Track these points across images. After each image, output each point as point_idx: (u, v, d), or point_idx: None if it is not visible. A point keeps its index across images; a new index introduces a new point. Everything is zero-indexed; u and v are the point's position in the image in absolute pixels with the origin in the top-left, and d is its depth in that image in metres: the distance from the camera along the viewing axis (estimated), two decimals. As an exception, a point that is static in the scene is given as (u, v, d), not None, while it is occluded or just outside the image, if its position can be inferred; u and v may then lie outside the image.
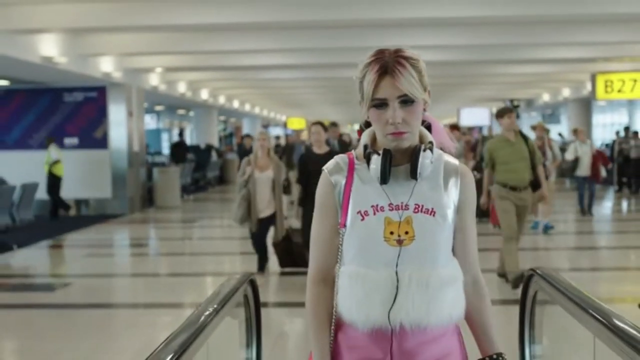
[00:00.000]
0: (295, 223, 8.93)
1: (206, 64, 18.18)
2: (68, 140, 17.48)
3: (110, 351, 6.67)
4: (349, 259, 2.27)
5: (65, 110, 17.50)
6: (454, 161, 2.35)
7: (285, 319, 7.86)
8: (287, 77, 22.44)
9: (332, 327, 2.31)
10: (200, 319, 2.99)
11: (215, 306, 3.21)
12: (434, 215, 2.24)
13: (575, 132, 22.35)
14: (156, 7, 11.75)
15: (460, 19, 12.22)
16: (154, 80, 19.44)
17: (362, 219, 2.24)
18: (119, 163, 17.50)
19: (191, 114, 33.93)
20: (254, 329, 3.82)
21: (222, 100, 28.47)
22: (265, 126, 46.79)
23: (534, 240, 12.06)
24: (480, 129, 34.49)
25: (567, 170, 14.98)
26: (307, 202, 8.35)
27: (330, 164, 2.34)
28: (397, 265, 2.20)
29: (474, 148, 24.62)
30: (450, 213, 2.27)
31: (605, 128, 36.20)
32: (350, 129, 46.39)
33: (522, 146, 8.19)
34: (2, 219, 12.47)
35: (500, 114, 8.33)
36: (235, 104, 31.50)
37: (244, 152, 18.90)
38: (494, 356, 2.35)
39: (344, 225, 2.27)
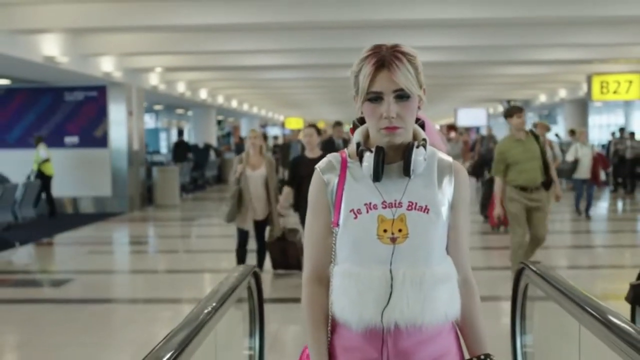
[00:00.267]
0: (290, 223, 8.76)
1: (205, 64, 18.25)
2: (68, 139, 17.62)
3: (113, 345, 6.83)
4: (342, 258, 2.25)
5: (66, 109, 17.63)
6: (448, 158, 2.33)
7: (285, 313, 8.00)
8: (285, 77, 22.49)
9: (329, 327, 2.29)
10: (206, 310, 3.09)
11: (220, 296, 3.31)
12: (427, 212, 2.21)
13: (572, 132, 22.55)
14: (156, 8, 11.83)
15: (458, 20, 12.26)
16: (153, 79, 19.54)
17: (355, 217, 2.21)
18: (118, 162, 17.63)
19: (189, 113, 34.02)
20: (257, 320, 3.97)
21: (220, 99, 28.56)
22: (263, 126, 46.90)
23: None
24: (477, 129, 34.62)
25: (566, 171, 14.74)
26: (300, 206, 8.29)
27: (322, 163, 2.32)
28: (391, 264, 2.18)
29: (472, 148, 24.75)
30: (444, 210, 2.25)
31: (602, 129, 36.32)
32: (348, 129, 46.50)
33: (533, 145, 7.86)
34: (4, 216, 12.61)
35: (509, 114, 7.96)
36: (234, 104, 31.60)
37: (242, 152, 19.00)
38: (482, 357, 2.32)
39: (337, 224, 2.25)
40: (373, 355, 2.20)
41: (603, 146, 27.12)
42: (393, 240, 2.18)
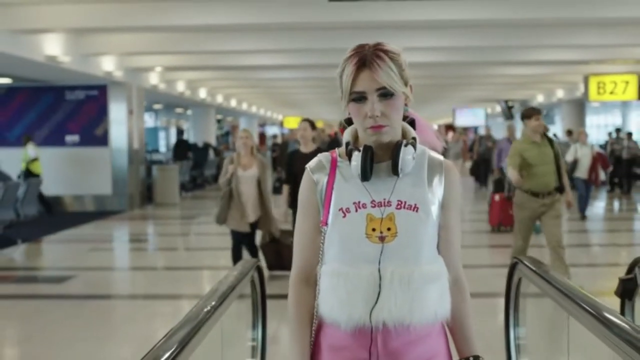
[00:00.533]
0: (284, 224, 8.61)
1: (205, 64, 18.36)
2: (69, 138, 17.76)
3: (114, 339, 6.99)
4: (330, 257, 2.23)
5: (67, 108, 17.77)
6: (439, 157, 2.31)
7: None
8: (284, 76, 22.58)
9: (314, 328, 2.27)
10: (210, 305, 3.20)
11: (225, 289, 3.44)
12: (416, 211, 2.19)
13: (569, 133, 22.69)
14: (156, 9, 11.93)
15: (456, 21, 12.35)
16: (153, 79, 19.66)
17: (344, 216, 2.20)
18: (119, 161, 17.77)
19: (189, 112, 34.14)
20: (260, 312, 4.11)
21: (219, 99, 28.65)
22: (262, 125, 47.03)
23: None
24: (475, 129, 34.74)
25: (566, 171, 14.75)
26: (294, 204, 8.18)
27: (312, 162, 2.31)
28: (379, 263, 2.16)
29: (471, 148, 24.88)
30: (434, 209, 2.23)
31: (600, 129, 36.46)
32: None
33: (548, 149, 7.62)
34: (7, 214, 12.75)
35: (527, 115, 7.64)
36: (233, 103, 31.69)
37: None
38: (471, 358, 2.30)
39: (326, 223, 2.23)
40: (362, 355, 2.18)
41: (601, 146, 27.29)
42: (382, 239, 2.17)
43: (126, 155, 17.77)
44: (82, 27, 12.83)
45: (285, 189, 8.39)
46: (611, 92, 19.82)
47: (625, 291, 4.05)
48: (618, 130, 23.97)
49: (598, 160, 14.70)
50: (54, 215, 16.47)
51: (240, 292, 3.72)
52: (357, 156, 2.18)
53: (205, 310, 2.95)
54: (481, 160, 22.51)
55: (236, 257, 8.44)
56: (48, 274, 10.62)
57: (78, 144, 17.80)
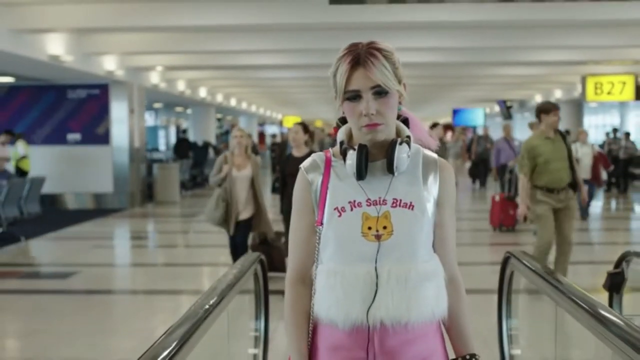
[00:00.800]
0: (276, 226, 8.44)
1: (205, 63, 18.46)
2: (71, 136, 17.92)
3: (117, 332, 7.17)
4: (326, 257, 2.22)
5: (69, 106, 17.93)
6: (433, 155, 2.30)
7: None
8: (283, 76, 22.70)
9: (310, 328, 2.26)
10: (217, 292, 3.37)
11: (224, 287, 3.58)
12: (412, 209, 2.19)
13: (567, 132, 22.81)
14: (157, 9, 12.05)
15: (456, 22, 12.46)
16: (154, 78, 19.78)
17: (339, 216, 2.19)
18: (120, 159, 17.93)
19: (189, 111, 34.26)
20: (262, 303, 4.27)
21: (219, 98, 28.76)
22: (261, 124, 47.15)
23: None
24: (474, 129, 34.87)
25: None
26: (285, 207, 8.02)
27: (307, 162, 2.30)
28: (376, 261, 2.15)
29: (469, 148, 24.96)
30: (429, 207, 2.22)
31: (597, 129, 36.61)
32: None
33: (562, 145, 7.56)
34: (11, 211, 12.91)
35: (545, 110, 7.49)
36: (233, 102, 31.80)
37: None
38: (467, 357, 2.30)
39: (321, 223, 2.22)
40: (360, 354, 2.17)
41: (599, 146, 27.43)
42: (378, 237, 2.16)
43: (127, 153, 17.92)
44: (85, 27, 12.95)
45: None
46: (608, 93, 19.92)
47: (613, 285, 4.22)
48: (615, 130, 24.12)
49: (599, 159, 14.61)
50: (54, 213, 16.60)
51: (240, 288, 3.83)
52: (352, 155, 2.18)
53: (205, 308, 3.03)
54: (479, 160, 22.63)
55: (242, 251, 8.22)
56: (52, 270, 10.78)
57: (79, 142, 17.95)
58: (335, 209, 2.19)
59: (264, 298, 4.30)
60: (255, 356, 4.37)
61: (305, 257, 2.28)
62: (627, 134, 22.78)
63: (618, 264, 4.32)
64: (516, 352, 4.26)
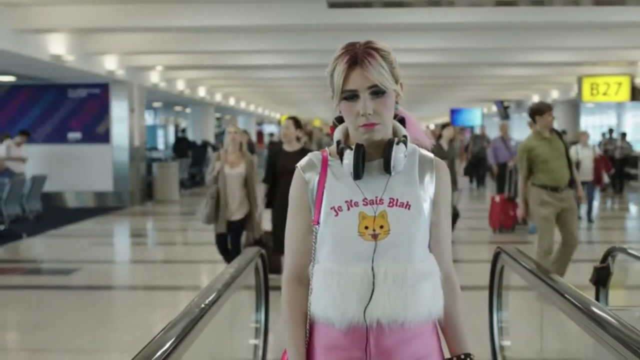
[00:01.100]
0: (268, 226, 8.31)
1: (204, 63, 18.61)
2: (71, 135, 18.07)
3: (118, 327, 7.35)
4: (323, 256, 2.22)
5: (69, 106, 18.08)
6: (429, 154, 2.30)
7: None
8: (282, 76, 22.81)
9: (307, 327, 2.26)
10: (221, 285, 3.52)
11: (231, 274, 3.75)
12: (409, 208, 2.18)
13: (563, 133, 22.92)
14: (157, 10, 12.19)
15: (453, 24, 12.58)
16: (154, 78, 19.91)
17: (336, 215, 2.18)
18: (120, 158, 18.07)
19: (187, 110, 34.36)
20: (263, 296, 4.44)
21: (218, 97, 28.87)
22: (260, 123, 47.25)
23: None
24: (471, 129, 35.01)
25: None
26: (275, 203, 7.81)
27: (303, 161, 2.29)
28: (372, 261, 2.14)
29: (466, 148, 25.08)
30: (426, 207, 2.22)
31: (594, 130, 36.74)
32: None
33: (559, 144, 7.57)
34: (13, 209, 13.07)
35: (539, 111, 7.55)
36: (231, 102, 31.91)
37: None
38: (462, 356, 2.30)
39: (318, 222, 2.21)
40: (356, 354, 2.16)
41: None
42: (374, 237, 2.15)
43: (127, 152, 18.07)
44: (86, 28, 13.11)
45: (262, 187, 8.00)
46: (604, 94, 20.03)
47: (599, 279, 4.39)
48: (611, 130, 24.27)
49: (600, 162, 14.42)
50: (55, 212, 16.72)
51: (241, 283, 3.96)
52: (348, 154, 2.17)
53: (203, 305, 3.07)
54: (476, 160, 22.72)
55: (224, 251, 8.13)
56: (54, 266, 10.94)
57: (80, 141, 18.09)
58: (331, 208, 2.19)
59: (264, 291, 4.47)
60: (255, 346, 4.55)
61: (302, 256, 2.27)
62: (623, 135, 22.92)
63: (604, 259, 4.49)
64: (506, 343, 4.44)
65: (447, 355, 2.30)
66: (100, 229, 14.74)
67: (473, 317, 5.69)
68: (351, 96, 2.15)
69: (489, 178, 21.53)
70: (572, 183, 7.60)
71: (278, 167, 7.59)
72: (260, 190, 8.04)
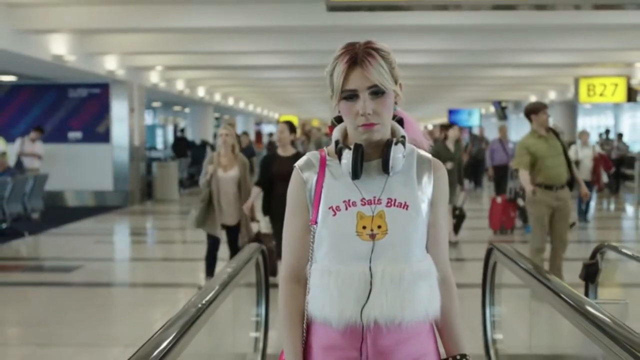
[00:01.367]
0: (265, 227, 8.24)
1: (204, 64, 18.70)
2: (72, 135, 18.20)
3: (121, 322, 7.50)
4: (320, 256, 2.21)
5: (70, 105, 18.21)
6: (427, 155, 2.30)
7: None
8: (281, 76, 22.90)
9: (304, 327, 2.25)
10: (223, 279, 3.65)
11: (231, 271, 3.88)
12: (406, 209, 2.18)
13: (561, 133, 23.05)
14: (157, 11, 12.30)
15: (452, 25, 12.66)
16: (154, 78, 20.01)
17: (334, 215, 2.17)
18: (120, 157, 18.21)
19: (187, 110, 34.43)
20: (263, 291, 4.58)
21: (217, 97, 28.94)
22: (259, 123, 47.32)
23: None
24: (469, 129, 35.12)
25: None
26: (272, 208, 7.68)
27: (301, 161, 2.28)
28: (370, 261, 2.14)
29: (465, 149, 25.12)
30: (424, 207, 2.22)
31: (592, 130, 36.85)
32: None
33: (556, 142, 7.58)
34: (15, 207, 13.19)
35: (534, 110, 7.60)
36: (230, 102, 31.98)
37: (240, 150, 19.44)
38: (458, 357, 2.29)
39: (316, 222, 2.20)
40: (353, 354, 2.16)
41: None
42: (372, 236, 2.15)
43: (127, 152, 18.20)
44: (87, 28, 13.24)
45: (256, 190, 7.78)
46: (601, 94, 20.14)
47: (588, 275, 4.52)
48: (607, 131, 24.42)
49: (600, 161, 14.39)
50: (55, 210, 16.83)
51: (242, 280, 4.08)
52: (347, 154, 2.17)
53: (202, 304, 3.12)
54: (474, 161, 22.80)
55: (210, 263, 8.03)
56: (56, 264, 11.06)
57: (80, 140, 18.22)
58: (330, 208, 2.18)
59: (264, 286, 4.61)
60: (256, 339, 4.70)
61: (299, 255, 2.27)
62: (620, 135, 23.07)
63: (593, 256, 4.62)
64: (498, 336, 4.58)
65: (444, 355, 2.31)
66: (100, 227, 14.87)
67: (473, 314, 5.82)
68: (351, 96, 2.15)
69: (485, 180, 21.62)
70: (570, 183, 7.59)
71: (273, 173, 7.48)
72: (254, 193, 7.84)
